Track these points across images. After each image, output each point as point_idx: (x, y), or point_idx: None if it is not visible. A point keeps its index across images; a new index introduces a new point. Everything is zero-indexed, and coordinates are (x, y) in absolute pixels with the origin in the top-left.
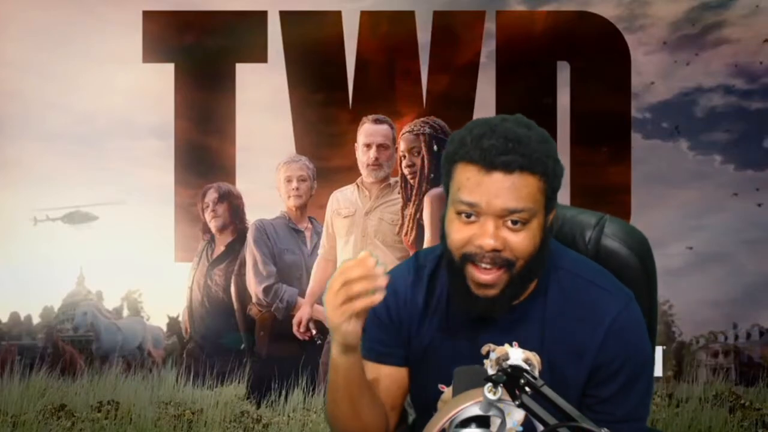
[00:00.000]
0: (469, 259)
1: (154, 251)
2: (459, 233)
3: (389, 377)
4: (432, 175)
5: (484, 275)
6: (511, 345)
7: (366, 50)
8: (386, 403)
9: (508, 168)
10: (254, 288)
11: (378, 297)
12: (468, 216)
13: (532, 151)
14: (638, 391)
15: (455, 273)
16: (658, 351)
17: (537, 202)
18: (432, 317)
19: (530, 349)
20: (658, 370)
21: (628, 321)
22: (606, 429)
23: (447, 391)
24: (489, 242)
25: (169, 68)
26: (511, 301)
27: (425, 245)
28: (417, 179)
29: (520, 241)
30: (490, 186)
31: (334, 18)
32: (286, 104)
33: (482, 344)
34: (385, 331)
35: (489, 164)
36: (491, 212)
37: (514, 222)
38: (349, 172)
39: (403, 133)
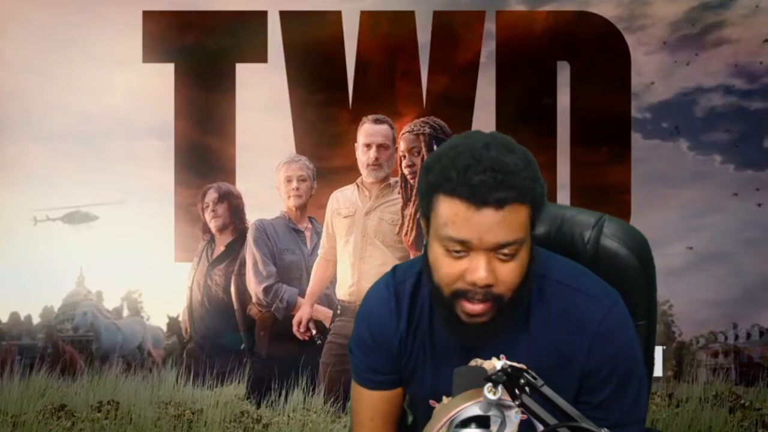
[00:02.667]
0: (460, 295)
1: (154, 251)
2: (449, 269)
3: (388, 402)
4: None
5: (474, 306)
6: (498, 358)
7: (366, 50)
8: (389, 420)
9: (500, 204)
10: (254, 288)
11: None
12: (457, 251)
13: (521, 181)
14: (631, 394)
15: (444, 306)
16: (658, 351)
17: (526, 230)
18: (415, 334)
19: (517, 361)
20: (658, 370)
21: (613, 325)
22: (606, 429)
23: (439, 406)
24: (482, 277)
25: (169, 68)
26: (504, 326)
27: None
28: (417, 179)
29: (510, 271)
30: (480, 222)
31: (334, 18)
32: (286, 104)
33: (468, 358)
34: (372, 355)
35: (480, 202)
36: (483, 247)
37: (505, 254)
38: (349, 172)
39: (403, 133)
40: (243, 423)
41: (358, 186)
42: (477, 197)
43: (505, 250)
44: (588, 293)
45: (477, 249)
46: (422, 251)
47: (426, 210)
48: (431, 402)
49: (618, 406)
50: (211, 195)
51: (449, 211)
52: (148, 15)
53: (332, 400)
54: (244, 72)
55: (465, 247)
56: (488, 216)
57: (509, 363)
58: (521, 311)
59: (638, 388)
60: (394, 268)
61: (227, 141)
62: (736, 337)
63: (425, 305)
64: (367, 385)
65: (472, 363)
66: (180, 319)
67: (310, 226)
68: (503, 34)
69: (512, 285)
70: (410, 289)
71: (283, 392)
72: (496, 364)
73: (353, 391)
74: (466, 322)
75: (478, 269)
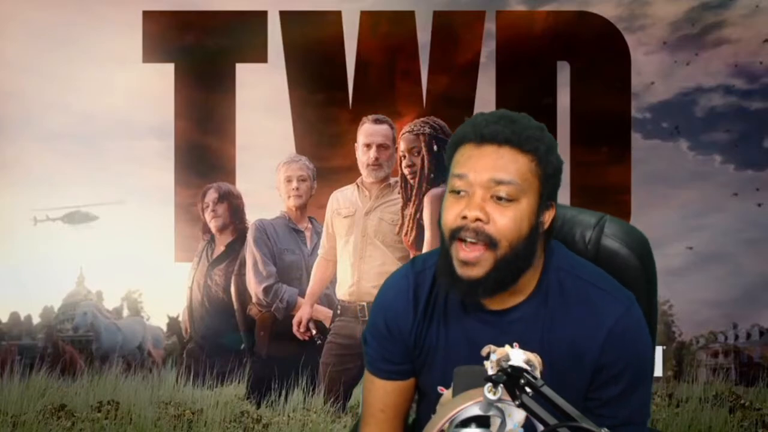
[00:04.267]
0: (456, 235)
1: (154, 251)
2: (450, 209)
3: (399, 393)
4: (432, 175)
5: (467, 252)
6: (511, 346)
7: (366, 50)
8: (399, 413)
9: (495, 139)
10: (254, 288)
11: None
12: (459, 192)
13: (523, 129)
14: (640, 394)
15: (444, 254)
16: (658, 351)
17: (526, 181)
18: (431, 323)
19: (530, 350)
20: (658, 370)
21: (630, 324)
22: (606, 429)
23: (446, 393)
24: (474, 212)
25: (169, 68)
26: (496, 287)
27: (425, 245)
28: (417, 179)
29: (506, 218)
30: (479, 158)
31: (334, 18)
32: (286, 104)
33: (481, 346)
34: (386, 345)
35: (479, 137)
36: (478, 183)
37: (500, 198)
38: (349, 172)
39: (403, 133)
40: (243, 423)
41: (358, 186)
42: (476, 133)
43: (501, 192)
44: (607, 290)
45: (474, 185)
46: (422, 251)
47: (449, 169)
48: (440, 388)
49: (628, 405)
50: (211, 195)
51: (459, 154)
52: (148, 15)
53: (332, 400)
54: (244, 72)
55: (465, 183)
56: (487, 152)
57: (516, 361)
58: (538, 293)
59: (647, 389)
60: (414, 259)
61: (227, 141)
62: (736, 337)
63: (440, 296)
64: (381, 375)
65: (485, 349)
66: (180, 319)
67: (310, 226)
68: (503, 34)
69: (507, 232)
70: (431, 278)
71: (283, 392)
72: (509, 352)
73: (365, 381)
74: (459, 274)
75: (471, 205)
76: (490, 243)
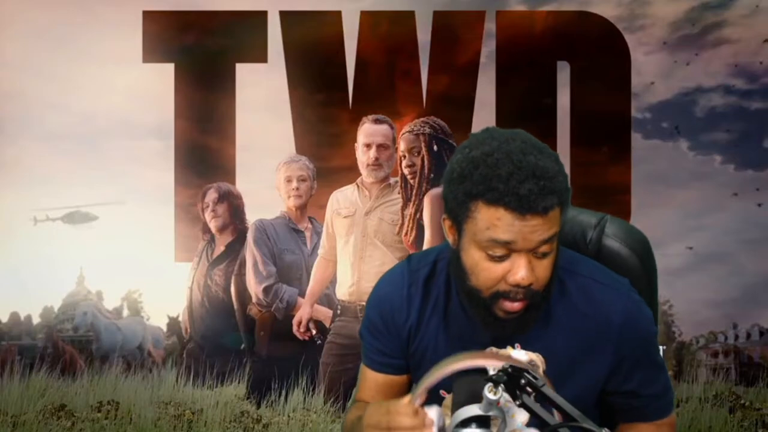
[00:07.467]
0: (501, 295)
1: (154, 251)
2: (489, 272)
3: (391, 387)
4: (432, 175)
5: (513, 305)
6: (513, 347)
7: (366, 50)
8: None
9: (545, 212)
10: (254, 288)
11: None
12: (499, 256)
13: (559, 183)
14: (660, 363)
15: (481, 306)
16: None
17: (560, 222)
18: (429, 321)
19: (533, 350)
20: None
21: (634, 312)
22: (606, 429)
23: (448, 397)
24: (526, 277)
25: (169, 68)
26: (538, 316)
27: (425, 245)
28: (417, 179)
29: (546, 268)
30: (525, 226)
31: (334, 18)
32: (286, 104)
33: (482, 347)
34: (381, 339)
35: (528, 210)
36: (526, 248)
37: (543, 253)
38: (349, 172)
39: (403, 133)
40: (243, 423)
41: (358, 186)
42: (525, 207)
43: (544, 248)
44: (605, 283)
45: (520, 250)
46: (420, 250)
47: (460, 217)
48: (441, 392)
49: (654, 379)
50: (211, 195)
51: (491, 216)
52: (148, 15)
53: (332, 400)
54: (244, 72)
55: (507, 249)
56: (534, 221)
57: (517, 362)
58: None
59: (662, 358)
60: (410, 257)
61: (227, 141)
62: (736, 337)
63: (440, 295)
64: (375, 367)
65: (487, 351)
66: (180, 319)
67: (310, 226)
68: (503, 34)
69: (546, 279)
70: (423, 279)
71: (283, 392)
72: (512, 353)
73: (360, 374)
74: (503, 318)
75: (521, 270)
76: (533, 296)
